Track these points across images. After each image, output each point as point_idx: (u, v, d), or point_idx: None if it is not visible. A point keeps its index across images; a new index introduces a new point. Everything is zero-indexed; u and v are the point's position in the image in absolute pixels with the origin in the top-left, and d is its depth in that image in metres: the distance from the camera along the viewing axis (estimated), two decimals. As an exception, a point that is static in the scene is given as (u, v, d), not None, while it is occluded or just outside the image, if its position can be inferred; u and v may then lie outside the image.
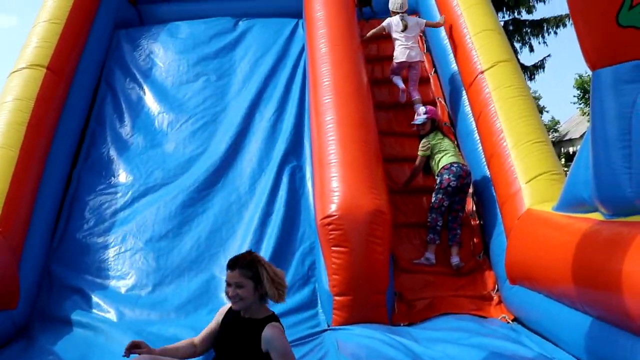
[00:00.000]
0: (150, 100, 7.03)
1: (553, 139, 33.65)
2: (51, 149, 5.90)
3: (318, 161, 5.16)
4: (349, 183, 4.81)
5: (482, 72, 6.09)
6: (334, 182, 4.85)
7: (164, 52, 7.60)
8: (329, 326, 4.70)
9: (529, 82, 20.91)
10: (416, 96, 6.91)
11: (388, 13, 7.25)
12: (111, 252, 5.57)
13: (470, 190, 5.88)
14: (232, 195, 5.98)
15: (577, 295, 3.48)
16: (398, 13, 7.02)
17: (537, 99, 37.21)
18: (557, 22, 19.57)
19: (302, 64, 7.18)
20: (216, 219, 5.77)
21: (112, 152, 6.47)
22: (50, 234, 5.68)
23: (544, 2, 19.46)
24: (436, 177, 5.74)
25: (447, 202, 5.62)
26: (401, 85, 6.99)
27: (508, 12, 20.17)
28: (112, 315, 4.97)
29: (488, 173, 5.65)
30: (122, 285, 5.27)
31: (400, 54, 6.92)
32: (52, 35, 6.52)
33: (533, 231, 4.36)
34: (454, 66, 6.83)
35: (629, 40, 3.00)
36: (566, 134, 35.73)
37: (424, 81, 7.35)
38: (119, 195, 6.02)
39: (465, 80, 6.44)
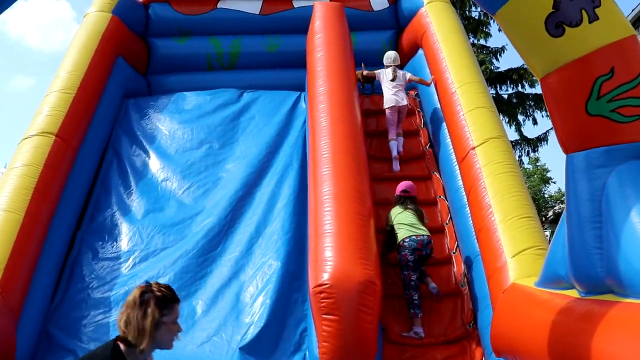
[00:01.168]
0: (154, 167, 7.29)
1: (560, 211, 33.62)
2: (56, 212, 6.13)
3: (314, 231, 5.34)
4: (342, 253, 4.97)
5: (473, 148, 6.33)
6: (327, 251, 5.01)
7: (169, 121, 7.91)
8: (318, 392, 4.78)
9: (534, 154, 21.15)
10: (399, 130, 7.76)
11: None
12: (110, 317, 5.69)
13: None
14: (230, 261, 6.14)
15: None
16: (390, 66, 7.98)
17: (545, 170, 37.46)
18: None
19: (303, 135, 7.46)
20: (213, 285, 5.92)
21: (116, 217, 6.68)
22: (50, 295, 5.84)
23: (547, 76, 19.94)
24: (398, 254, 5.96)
25: (415, 275, 5.83)
26: (394, 153, 7.55)
27: (512, 86, 20.67)
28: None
29: (477, 246, 5.82)
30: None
31: (389, 100, 7.78)
32: (63, 104, 6.84)
33: (516, 305, 4.49)
34: (448, 141, 7.08)
35: (598, 128, 3.22)
36: (571, 206, 35.72)
37: (420, 156, 7.62)
38: (120, 259, 6.20)
39: (458, 155, 6.68)
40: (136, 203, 6.87)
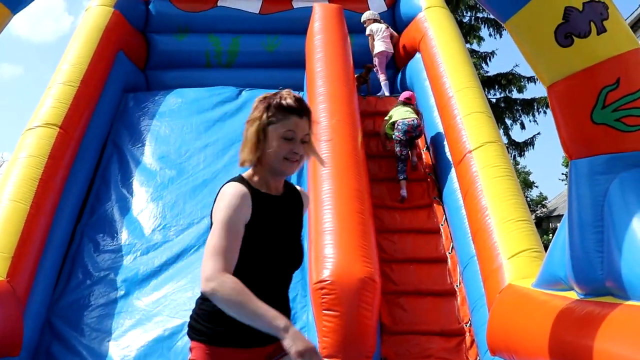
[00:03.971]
0: (153, 161, 7.37)
1: (541, 214, 33.97)
2: (59, 204, 6.18)
3: (314, 228, 5.46)
4: (342, 250, 5.09)
5: (470, 152, 6.48)
6: (328, 248, 5.13)
7: (169, 116, 7.99)
8: (317, 387, 4.89)
9: (519, 158, 21.55)
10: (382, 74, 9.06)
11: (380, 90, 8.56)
12: (110, 309, 5.76)
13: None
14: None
15: (552, 369, 3.72)
16: (377, 20, 9.24)
17: (528, 174, 37.89)
18: (547, 102, 20.28)
19: (300, 134, 7.55)
20: None
21: (116, 210, 6.75)
22: (52, 286, 5.90)
23: (535, 82, 20.30)
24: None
25: (405, 150, 7.38)
26: (387, 92, 8.94)
27: (500, 90, 20.96)
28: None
29: (473, 247, 5.96)
30: (120, 342, 5.45)
31: (380, 46, 9.05)
32: (66, 96, 6.89)
33: (513, 305, 4.64)
34: (444, 144, 7.24)
35: (602, 136, 3.35)
36: (554, 209, 36.21)
37: (417, 158, 7.76)
38: (120, 252, 6.27)
39: (454, 158, 6.83)
40: (136, 196, 6.95)
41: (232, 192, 2.35)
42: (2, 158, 19.32)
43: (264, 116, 2.41)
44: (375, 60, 9.12)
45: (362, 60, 8.74)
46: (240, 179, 2.46)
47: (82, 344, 5.43)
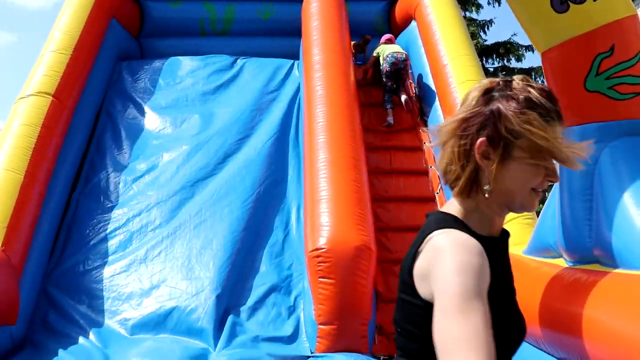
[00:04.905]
0: (148, 130, 7.34)
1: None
2: (53, 173, 6.18)
3: (310, 197, 5.48)
4: (338, 219, 5.12)
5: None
6: (323, 217, 5.15)
7: (163, 85, 7.94)
8: (312, 353, 4.97)
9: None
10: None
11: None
12: (105, 277, 5.80)
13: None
14: (224, 222, 6.25)
15: (541, 336, 3.77)
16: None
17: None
18: (544, 70, 20.23)
19: (296, 103, 7.54)
20: (208, 243, 6.03)
21: (111, 179, 6.75)
22: (47, 255, 5.92)
23: (532, 51, 20.19)
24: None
25: (391, 82, 7.86)
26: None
27: (498, 60, 20.85)
28: (104, 336, 5.20)
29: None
30: (116, 310, 5.50)
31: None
32: (59, 64, 6.83)
33: (506, 272, 4.68)
34: (439, 113, 7.22)
35: (594, 104, 3.35)
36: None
37: (411, 127, 7.76)
38: (116, 220, 6.28)
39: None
40: (130, 165, 6.94)
41: (463, 247, 1.42)
42: (-3, 127, 19.19)
43: (510, 125, 1.51)
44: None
45: (356, 28, 8.66)
46: (454, 222, 1.56)
47: (79, 312, 5.47)
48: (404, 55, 7.98)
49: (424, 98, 7.87)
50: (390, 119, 7.75)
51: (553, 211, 3.70)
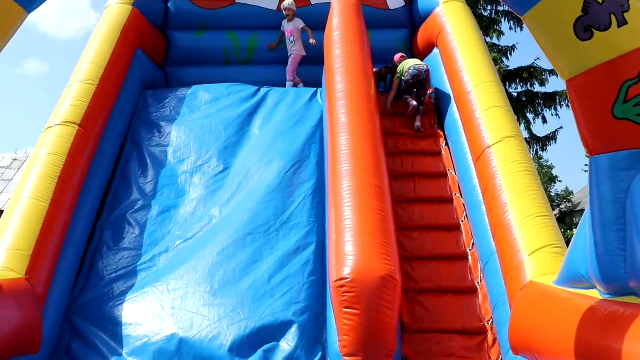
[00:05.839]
0: (173, 158, 7.39)
1: (566, 209, 33.64)
2: (78, 202, 6.23)
3: (334, 226, 5.43)
4: (362, 248, 5.06)
5: (489, 147, 6.40)
6: (348, 246, 5.09)
7: (188, 113, 8.01)
8: (337, 385, 4.88)
9: (541, 153, 21.30)
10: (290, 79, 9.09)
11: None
12: (129, 306, 5.79)
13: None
14: (246, 250, 6.21)
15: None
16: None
17: (551, 168, 37.53)
18: (570, 95, 20.06)
19: (319, 130, 7.54)
20: (231, 271, 6.00)
21: (135, 208, 6.78)
22: (71, 284, 5.95)
23: (556, 75, 20.02)
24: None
25: (409, 90, 8.15)
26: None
27: (521, 84, 20.74)
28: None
29: (494, 244, 5.90)
30: (139, 339, 5.47)
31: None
32: (86, 95, 6.93)
33: (535, 303, 4.57)
34: (463, 140, 7.16)
35: (623, 132, 3.29)
36: (579, 204, 35.77)
37: (437, 153, 7.70)
38: (140, 250, 6.30)
39: (473, 153, 6.76)
40: (155, 194, 6.97)
41: None
42: (26, 154, 19.54)
43: None
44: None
45: (378, 56, 8.67)
46: None
47: (102, 341, 5.47)
48: (426, 67, 8.20)
49: (448, 125, 7.82)
50: (414, 103, 8.09)
51: (584, 240, 3.61)
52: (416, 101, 8.12)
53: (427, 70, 8.18)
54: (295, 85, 9.00)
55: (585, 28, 3.26)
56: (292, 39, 9.20)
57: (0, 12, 3.42)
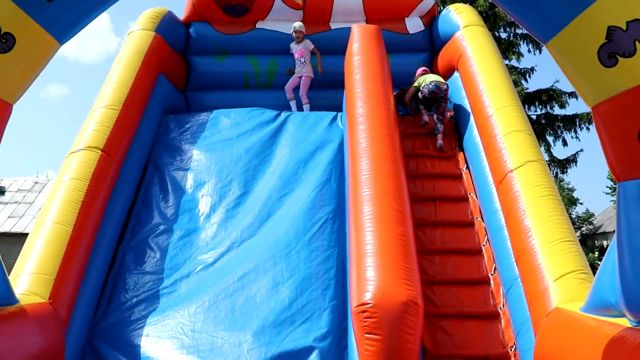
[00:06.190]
0: (194, 182, 7.43)
1: (587, 232, 33.29)
2: (100, 226, 6.28)
3: (355, 250, 5.42)
4: (384, 273, 5.03)
5: (511, 171, 6.37)
6: (369, 271, 5.06)
7: (209, 137, 8.07)
8: (359, 412, 4.83)
9: (561, 175, 21.13)
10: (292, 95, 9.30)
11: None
12: (151, 330, 5.80)
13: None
14: (267, 276, 6.20)
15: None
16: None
17: (572, 190, 37.21)
18: (590, 118, 19.99)
19: (339, 155, 7.56)
20: (252, 297, 6.00)
21: (157, 232, 6.82)
22: (94, 308, 5.98)
23: (576, 98, 19.92)
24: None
25: (424, 105, 8.28)
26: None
27: (541, 107, 20.67)
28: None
29: (516, 268, 5.84)
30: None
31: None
32: (108, 120, 7.02)
33: (561, 330, 4.51)
34: (484, 164, 7.13)
35: (651, 157, 3.26)
36: (600, 226, 35.37)
37: (456, 177, 7.68)
38: (161, 274, 6.32)
39: (495, 177, 6.73)
40: (176, 218, 7.01)
41: None
42: (47, 177, 19.77)
43: None
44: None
45: (399, 79, 8.71)
46: None
47: (123, 357, 5.47)
48: (446, 85, 8.32)
49: (468, 148, 7.80)
50: (425, 118, 8.23)
51: (612, 267, 3.56)
52: (437, 120, 8.19)
53: (446, 89, 8.27)
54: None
55: (609, 55, 3.24)
56: (302, 60, 9.29)
57: (35, 44, 3.51)
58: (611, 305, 3.67)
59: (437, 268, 6.61)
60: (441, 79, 8.44)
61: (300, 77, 9.30)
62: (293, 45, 9.45)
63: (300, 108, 9.17)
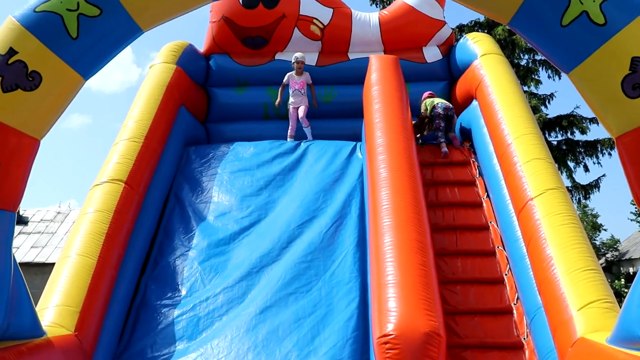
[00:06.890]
0: (215, 213, 7.50)
1: (612, 258, 32.77)
2: (123, 258, 6.35)
3: (376, 281, 5.41)
4: (406, 304, 5.02)
5: (531, 199, 6.35)
6: (391, 302, 5.06)
7: (229, 168, 8.15)
8: None
9: (584, 201, 20.87)
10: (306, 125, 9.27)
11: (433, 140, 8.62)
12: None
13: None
14: (289, 309, 6.22)
15: None
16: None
17: (595, 217, 36.75)
18: (612, 143, 19.82)
19: (359, 185, 7.59)
20: (274, 330, 6.00)
21: (178, 263, 6.87)
22: (117, 338, 6.02)
23: (597, 124, 19.72)
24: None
25: (443, 123, 8.66)
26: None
27: (561, 133, 20.52)
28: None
29: (539, 298, 5.79)
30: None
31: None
32: (131, 152, 7.14)
33: (587, 361, 4.46)
34: (505, 192, 7.11)
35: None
36: (626, 253, 34.80)
37: (477, 205, 7.66)
38: (183, 305, 6.34)
39: (515, 206, 6.70)
40: (197, 249, 7.06)
41: None
42: (69, 207, 19.95)
43: None
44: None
45: (419, 108, 8.78)
46: None
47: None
48: (451, 105, 8.93)
49: (488, 177, 7.79)
50: (445, 149, 8.45)
51: (639, 300, 3.53)
52: (442, 135, 8.68)
53: (453, 110, 8.88)
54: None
55: (633, 86, 3.26)
56: (302, 91, 9.28)
57: (60, 80, 3.61)
58: (638, 338, 3.63)
59: (459, 298, 6.57)
60: (445, 101, 9.03)
61: (297, 108, 9.29)
62: (292, 76, 9.37)
63: (304, 134, 9.22)
